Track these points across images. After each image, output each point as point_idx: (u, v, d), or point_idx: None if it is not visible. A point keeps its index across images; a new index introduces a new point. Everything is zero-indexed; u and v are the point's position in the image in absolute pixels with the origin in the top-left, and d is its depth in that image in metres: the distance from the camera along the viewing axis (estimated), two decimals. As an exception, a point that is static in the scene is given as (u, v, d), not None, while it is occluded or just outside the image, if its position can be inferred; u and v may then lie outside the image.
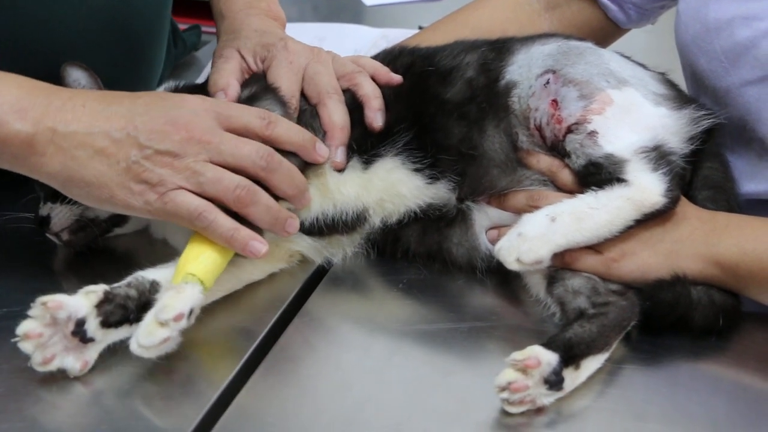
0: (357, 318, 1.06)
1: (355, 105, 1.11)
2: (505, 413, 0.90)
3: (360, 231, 1.11)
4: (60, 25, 1.22)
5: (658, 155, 1.03)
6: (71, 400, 0.90)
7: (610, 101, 1.05)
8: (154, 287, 0.97)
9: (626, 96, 1.06)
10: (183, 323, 0.92)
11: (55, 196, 1.08)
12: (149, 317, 0.92)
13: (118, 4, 1.27)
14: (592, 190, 1.02)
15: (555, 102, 1.06)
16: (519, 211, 1.06)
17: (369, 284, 1.10)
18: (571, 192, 1.05)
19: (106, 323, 0.93)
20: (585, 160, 1.04)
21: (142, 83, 1.39)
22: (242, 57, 1.15)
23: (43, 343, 0.90)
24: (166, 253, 1.05)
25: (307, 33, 1.72)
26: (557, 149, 1.07)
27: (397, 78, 1.13)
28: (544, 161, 1.08)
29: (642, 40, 1.52)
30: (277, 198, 1.02)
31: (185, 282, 0.95)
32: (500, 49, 1.14)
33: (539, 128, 1.07)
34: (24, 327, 0.90)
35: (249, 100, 1.10)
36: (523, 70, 1.10)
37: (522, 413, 0.90)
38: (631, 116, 1.05)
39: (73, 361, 0.91)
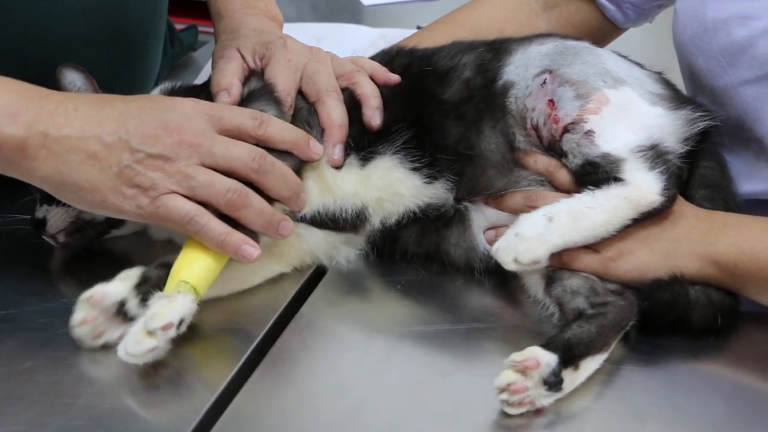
0: (355, 319, 1.06)
1: (353, 104, 1.11)
2: (504, 414, 0.90)
3: (361, 231, 1.11)
4: (55, 26, 1.21)
5: (655, 154, 1.03)
6: (68, 404, 0.89)
7: (606, 101, 1.05)
8: None
9: (623, 95, 1.06)
10: (172, 332, 0.92)
11: (51, 199, 1.08)
12: (138, 325, 0.92)
13: (113, 4, 1.27)
14: (589, 189, 1.02)
15: (552, 102, 1.06)
16: (516, 212, 1.06)
17: (367, 285, 1.10)
18: (568, 192, 1.05)
19: (145, 301, 0.96)
20: (582, 159, 1.04)
21: (138, 84, 1.39)
22: (242, 56, 1.15)
23: (96, 324, 0.95)
24: (163, 254, 1.05)
25: (305, 33, 1.71)
26: (554, 149, 1.07)
27: (395, 78, 1.13)
28: (541, 161, 1.08)
29: (640, 39, 1.51)
30: (271, 201, 1.01)
31: (178, 290, 0.95)
32: (497, 49, 1.14)
33: (536, 128, 1.07)
34: (78, 316, 0.95)
35: (246, 98, 1.10)
36: (520, 70, 1.10)
37: (521, 414, 0.90)
38: (628, 116, 1.05)
39: (119, 336, 0.95)
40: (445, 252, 1.10)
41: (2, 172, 0.99)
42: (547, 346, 0.92)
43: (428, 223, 1.10)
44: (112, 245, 1.14)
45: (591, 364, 0.94)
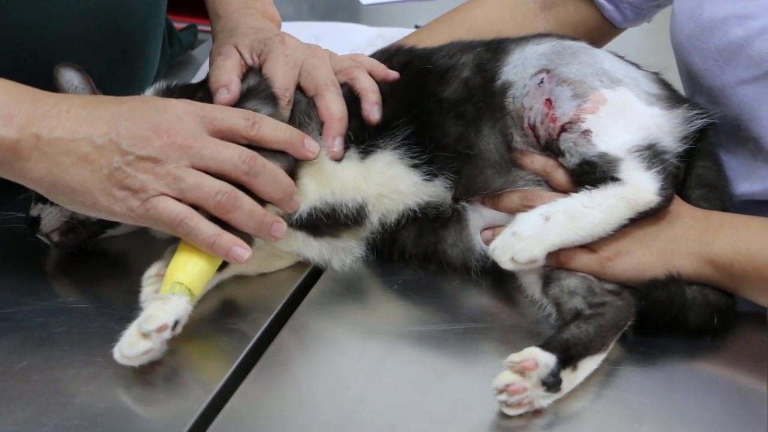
0: (352, 319, 1.05)
1: (352, 98, 1.11)
2: (501, 414, 0.90)
3: (361, 230, 1.11)
4: (53, 25, 1.21)
5: (652, 154, 1.03)
6: (63, 404, 0.89)
7: (603, 100, 1.05)
8: None
9: (620, 95, 1.06)
10: (166, 334, 0.92)
11: (46, 197, 1.08)
12: (133, 327, 0.93)
13: (111, 4, 1.27)
14: (586, 189, 1.02)
15: (549, 101, 1.06)
16: (513, 211, 1.05)
17: (364, 285, 1.10)
18: (565, 192, 1.05)
19: None
20: (579, 158, 1.04)
21: (136, 83, 1.38)
22: (240, 53, 1.15)
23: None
24: (159, 254, 1.05)
25: (303, 32, 1.71)
26: (551, 148, 1.07)
27: (393, 74, 1.13)
28: (538, 161, 1.08)
29: (637, 39, 1.51)
30: (264, 203, 1.01)
31: (172, 292, 0.95)
32: (496, 49, 1.14)
33: (533, 127, 1.07)
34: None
35: (244, 95, 1.10)
36: (518, 69, 1.10)
37: (519, 415, 0.89)
38: (625, 115, 1.05)
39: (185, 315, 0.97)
40: (443, 252, 1.10)
41: None
42: (545, 346, 0.92)
43: (426, 223, 1.10)
44: (109, 245, 1.14)
45: (589, 365, 0.94)
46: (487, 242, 1.07)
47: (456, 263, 1.10)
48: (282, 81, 1.11)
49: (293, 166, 1.06)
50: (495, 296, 1.08)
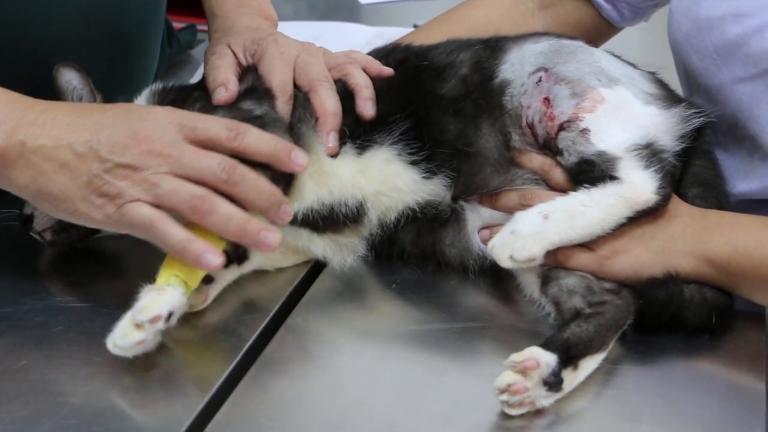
0: (349, 319, 1.05)
1: (346, 93, 1.11)
2: (500, 414, 0.90)
3: (361, 229, 1.11)
4: (51, 25, 1.21)
5: (650, 153, 1.03)
6: (61, 404, 0.89)
7: (601, 99, 1.05)
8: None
9: (618, 94, 1.06)
10: (160, 325, 0.92)
11: None
12: (127, 317, 0.93)
13: (110, 3, 1.27)
14: (585, 187, 1.02)
15: (547, 100, 1.06)
16: (511, 211, 1.05)
17: (362, 285, 1.10)
18: (563, 191, 1.05)
19: None
20: (577, 157, 1.04)
21: (135, 83, 1.38)
22: (233, 53, 1.15)
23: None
24: (154, 253, 1.04)
25: (302, 31, 1.71)
26: (549, 147, 1.07)
27: (388, 70, 1.13)
28: (536, 160, 1.08)
29: (635, 38, 1.51)
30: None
31: (168, 283, 0.95)
32: (493, 47, 1.14)
33: (531, 126, 1.07)
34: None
35: (243, 95, 1.10)
36: (515, 68, 1.10)
37: (519, 415, 0.89)
38: (623, 114, 1.05)
39: (196, 296, 0.99)
40: (441, 252, 1.10)
41: None
42: (546, 346, 0.92)
43: (424, 223, 1.10)
44: (107, 244, 1.14)
45: (590, 364, 0.94)
46: (485, 241, 1.07)
47: (454, 263, 1.10)
48: (280, 79, 1.11)
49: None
50: (493, 296, 1.08)
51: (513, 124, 1.09)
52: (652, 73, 1.13)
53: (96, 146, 0.95)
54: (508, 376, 0.89)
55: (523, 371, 0.89)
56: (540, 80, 1.07)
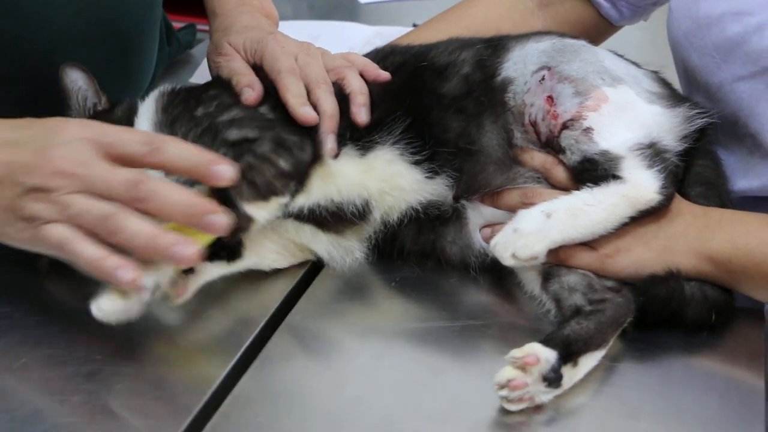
0: (349, 317, 1.05)
1: (342, 96, 1.11)
2: (499, 411, 0.90)
3: (365, 227, 1.11)
4: (48, 24, 1.21)
5: (653, 152, 1.03)
6: (61, 402, 0.89)
7: (605, 98, 1.05)
8: (239, 241, 1.04)
9: (621, 94, 1.06)
10: (144, 296, 0.92)
11: None
12: (110, 287, 0.93)
13: (107, 3, 1.27)
14: (587, 186, 1.02)
15: (550, 98, 1.06)
16: (513, 209, 1.05)
17: (362, 283, 1.10)
18: (564, 189, 1.05)
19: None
20: (580, 156, 1.04)
21: (133, 82, 1.38)
22: (237, 52, 1.16)
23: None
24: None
25: (301, 31, 1.71)
26: (552, 145, 1.07)
27: (385, 75, 1.13)
28: (537, 158, 1.08)
29: (635, 36, 1.51)
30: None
31: None
32: (496, 46, 1.14)
33: (534, 124, 1.07)
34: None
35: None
36: (518, 66, 1.10)
37: (517, 412, 0.90)
38: (626, 114, 1.06)
39: (174, 288, 0.99)
40: (441, 249, 1.10)
41: None
42: (546, 342, 0.92)
43: (426, 221, 1.10)
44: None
45: (590, 361, 0.94)
46: (487, 240, 1.07)
47: (455, 260, 1.10)
48: (287, 65, 1.11)
49: (302, 160, 1.06)
50: (493, 293, 1.08)
51: (515, 122, 1.09)
52: (655, 72, 1.13)
53: (12, 169, 0.93)
54: (508, 372, 0.89)
55: (523, 367, 0.89)
56: (543, 78, 1.07)
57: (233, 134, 1.07)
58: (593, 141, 1.04)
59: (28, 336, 0.99)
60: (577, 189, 1.03)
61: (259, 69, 1.15)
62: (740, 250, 0.99)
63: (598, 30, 1.35)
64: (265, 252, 1.08)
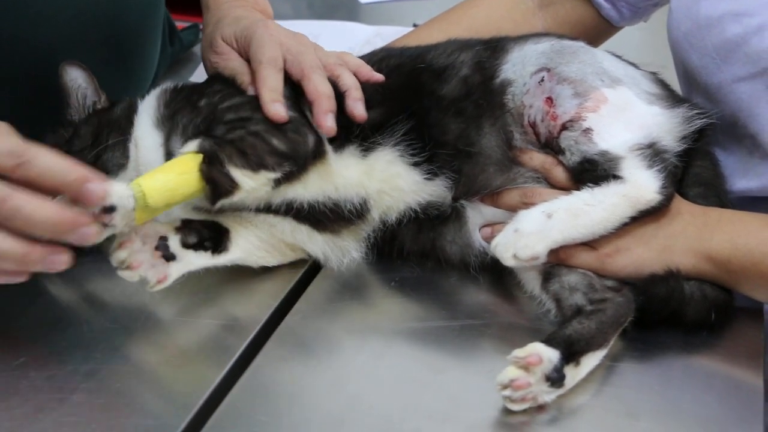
0: (349, 316, 1.05)
1: (337, 94, 1.11)
2: (499, 411, 0.90)
3: (363, 227, 1.11)
4: (47, 24, 1.21)
5: (653, 153, 1.03)
6: (60, 401, 0.89)
7: (604, 99, 1.05)
8: (226, 234, 1.06)
9: (620, 94, 1.07)
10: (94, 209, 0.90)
11: None
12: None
13: (107, 4, 1.27)
14: (588, 186, 1.02)
15: (550, 99, 1.06)
16: (513, 209, 1.06)
17: (362, 282, 1.10)
18: (564, 189, 1.05)
19: (185, 243, 1.02)
20: (580, 157, 1.04)
21: (134, 82, 1.38)
22: (230, 46, 1.15)
23: (134, 250, 0.98)
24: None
25: (301, 30, 1.70)
26: (551, 146, 1.07)
27: (378, 76, 1.13)
28: (537, 158, 1.08)
29: (635, 37, 1.52)
30: None
31: (128, 185, 0.94)
32: (494, 47, 1.14)
33: (533, 125, 1.08)
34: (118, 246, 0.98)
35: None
36: (517, 68, 1.11)
37: (516, 411, 0.90)
38: (626, 114, 1.06)
39: (153, 274, 0.99)
40: (441, 248, 1.10)
41: None
42: (548, 342, 0.92)
43: (425, 221, 1.10)
44: (105, 243, 1.13)
45: (591, 360, 0.94)
46: (487, 239, 1.07)
47: (454, 259, 1.10)
48: (270, 54, 1.10)
49: (298, 142, 1.06)
50: (493, 293, 1.08)
51: (515, 123, 1.09)
52: (654, 74, 1.13)
53: None
54: (511, 372, 0.89)
55: (526, 367, 0.89)
56: (542, 80, 1.07)
57: (230, 116, 1.08)
58: (593, 142, 1.04)
59: (27, 335, 0.99)
60: (577, 189, 1.03)
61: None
62: (739, 249, 0.99)
63: (598, 31, 1.36)
64: (251, 248, 1.08)
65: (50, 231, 0.89)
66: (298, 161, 1.05)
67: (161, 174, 0.98)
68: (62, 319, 1.01)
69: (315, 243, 1.10)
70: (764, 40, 1.07)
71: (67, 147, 1.12)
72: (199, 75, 1.58)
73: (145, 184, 0.95)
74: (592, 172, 1.03)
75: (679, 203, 1.04)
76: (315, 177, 1.07)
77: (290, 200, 1.07)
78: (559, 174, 1.07)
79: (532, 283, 1.06)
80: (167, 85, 1.16)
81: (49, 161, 0.90)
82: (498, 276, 1.08)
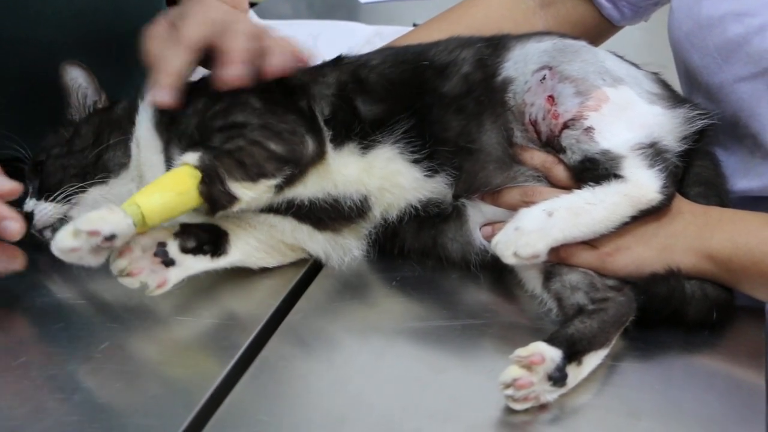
0: (350, 315, 1.05)
1: (343, 95, 1.10)
2: (499, 410, 0.90)
3: (364, 225, 1.11)
4: (48, 23, 1.21)
5: (654, 152, 1.03)
6: (61, 401, 0.89)
7: (606, 98, 1.05)
8: (225, 237, 1.06)
9: (622, 94, 1.07)
10: (95, 241, 0.93)
11: (41, 193, 1.08)
12: (71, 223, 0.94)
13: (106, 6, 1.27)
14: (589, 185, 1.02)
15: (551, 98, 1.06)
16: (513, 207, 1.06)
17: (362, 282, 1.10)
18: (564, 188, 1.05)
19: (184, 248, 1.02)
20: (581, 155, 1.04)
21: (134, 82, 1.38)
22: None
23: (134, 258, 0.99)
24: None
25: (301, 30, 1.71)
26: (552, 145, 1.07)
27: (304, 59, 1.10)
28: (537, 157, 1.08)
29: (636, 37, 1.52)
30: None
31: (125, 209, 0.95)
32: (496, 45, 1.14)
33: (534, 123, 1.08)
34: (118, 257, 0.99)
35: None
36: (519, 66, 1.11)
37: (517, 411, 0.89)
38: (627, 114, 1.06)
39: (153, 279, 1.00)
40: (442, 246, 1.10)
41: None
42: (551, 341, 0.92)
43: (426, 218, 1.11)
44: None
45: (593, 360, 0.94)
46: (487, 238, 1.07)
47: (455, 257, 1.10)
48: (188, 34, 1.08)
49: (296, 145, 1.05)
50: (494, 292, 1.08)
51: (515, 121, 1.09)
52: (656, 74, 1.13)
53: None
54: (514, 371, 0.89)
55: (529, 366, 0.89)
56: (544, 78, 1.07)
57: (219, 123, 1.07)
58: (594, 140, 1.04)
59: (28, 334, 0.99)
60: (578, 188, 1.03)
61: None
62: (740, 248, 0.99)
63: (599, 30, 1.36)
64: (251, 250, 1.08)
65: None
66: (298, 163, 1.05)
67: (159, 193, 0.98)
68: (63, 319, 1.01)
69: (316, 242, 1.10)
70: (766, 39, 1.07)
71: (67, 147, 1.12)
72: (198, 74, 1.57)
73: (144, 206, 0.96)
74: (593, 171, 1.03)
75: (680, 202, 1.04)
76: (314, 176, 1.07)
77: (290, 199, 1.07)
78: (560, 173, 1.07)
79: (533, 282, 1.06)
80: None
81: None
82: (499, 275, 1.08)
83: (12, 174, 1.01)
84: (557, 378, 0.90)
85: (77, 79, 1.13)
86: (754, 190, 1.11)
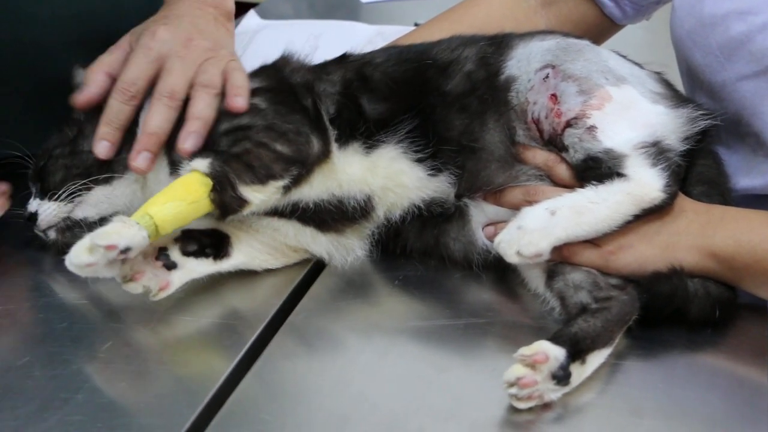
0: (353, 315, 1.05)
1: (347, 94, 1.10)
2: (502, 409, 0.90)
3: (367, 225, 1.11)
4: (48, 23, 1.21)
5: (657, 151, 1.03)
6: (65, 400, 0.89)
7: (609, 97, 1.06)
8: (227, 240, 1.06)
9: (625, 93, 1.07)
10: (112, 255, 0.94)
11: (44, 193, 1.08)
12: (86, 238, 0.95)
13: (105, 7, 1.27)
14: (592, 184, 1.02)
15: (554, 96, 1.06)
16: (516, 207, 1.06)
17: (365, 281, 1.10)
18: (567, 187, 1.05)
19: (185, 251, 1.03)
20: (584, 154, 1.04)
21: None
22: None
23: (136, 263, 0.99)
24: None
25: (302, 30, 1.71)
26: (555, 143, 1.07)
27: (240, 106, 1.08)
28: (540, 156, 1.08)
29: (637, 36, 1.52)
30: None
31: (139, 220, 0.96)
32: (499, 44, 1.14)
33: (537, 122, 1.08)
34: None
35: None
36: (522, 64, 1.11)
37: (519, 410, 0.90)
38: (630, 113, 1.06)
39: (156, 282, 1.00)
40: (444, 245, 1.10)
41: None
42: (554, 340, 0.92)
43: (429, 218, 1.11)
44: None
45: (597, 358, 0.94)
46: (490, 238, 1.07)
47: (458, 257, 1.10)
48: (129, 75, 1.08)
49: (302, 145, 1.06)
50: (497, 291, 1.08)
51: (518, 120, 1.09)
52: (659, 74, 1.13)
53: None
54: (517, 370, 0.89)
55: (533, 365, 0.89)
56: (547, 77, 1.07)
57: (224, 126, 1.07)
58: (597, 139, 1.04)
59: (31, 334, 0.99)
60: (581, 187, 1.03)
61: None
62: (743, 246, 0.99)
63: (601, 29, 1.36)
64: (254, 252, 1.09)
65: None
66: (304, 163, 1.06)
67: (171, 203, 0.99)
68: (67, 319, 1.01)
69: (319, 244, 1.10)
70: (768, 38, 1.07)
71: (71, 146, 1.12)
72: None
73: (157, 216, 0.97)
74: (596, 169, 1.03)
75: (683, 201, 1.04)
76: (319, 176, 1.08)
77: (295, 201, 1.07)
78: (563, 171, 1.07)
79: (535, 281, 1.06)
80: None
81: None
82: (501, 274, 1.08)
83: (11, 175, 1.01)
84: (561, 377, 0.90)
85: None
86: (756, 188, 1.11)
